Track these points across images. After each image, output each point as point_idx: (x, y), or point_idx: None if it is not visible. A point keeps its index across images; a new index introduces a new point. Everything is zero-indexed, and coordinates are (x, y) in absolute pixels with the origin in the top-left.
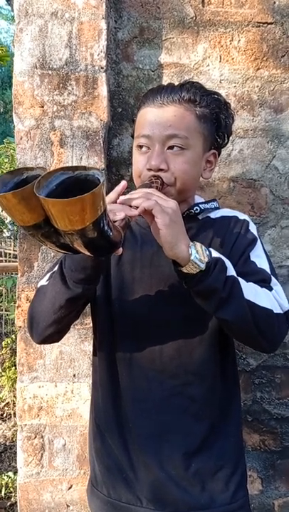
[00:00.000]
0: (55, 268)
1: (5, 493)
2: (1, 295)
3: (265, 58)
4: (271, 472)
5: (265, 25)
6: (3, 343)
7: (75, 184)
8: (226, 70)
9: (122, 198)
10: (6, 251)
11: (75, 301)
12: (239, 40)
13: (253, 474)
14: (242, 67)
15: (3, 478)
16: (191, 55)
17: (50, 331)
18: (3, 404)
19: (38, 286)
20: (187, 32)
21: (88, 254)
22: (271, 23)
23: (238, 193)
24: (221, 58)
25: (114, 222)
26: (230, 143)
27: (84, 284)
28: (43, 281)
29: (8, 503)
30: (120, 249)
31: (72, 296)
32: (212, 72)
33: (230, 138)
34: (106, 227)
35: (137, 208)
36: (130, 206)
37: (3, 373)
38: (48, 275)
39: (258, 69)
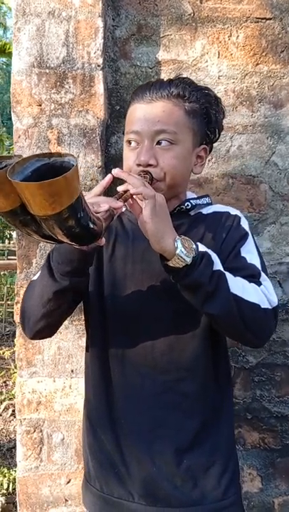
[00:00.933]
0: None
1: (13, 489)
2: (13, 292)
3: (264, 54)
4: (271, 470)
5: (264, 20)
6: (16, 340)
7: (50, 171)
8: (225, 65)
9: (119, 187)
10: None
11: (62, 293)
12: (238, 36)
13: (253, 472)
14: (241, 62)
15: (11, 474)
16: (189, 52)
17: (41, 326)
18: (14, 400)
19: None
20: (185, 28)
21: (68, 242)
22: (270, 19)
23: (237, 189)
24: (219, 54)
25: (98, 213)
26: (228, 139)
27: (71, 276)
28: (35, 277)
29: (17, 499)
30: (103, 240)
31: (60, 289)
32: (210, 68)
33: (229, 134)
34: (82, 214)
35: (124, 201)
36: (117, 199)
37: (16, 370)
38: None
39: (257, 64)
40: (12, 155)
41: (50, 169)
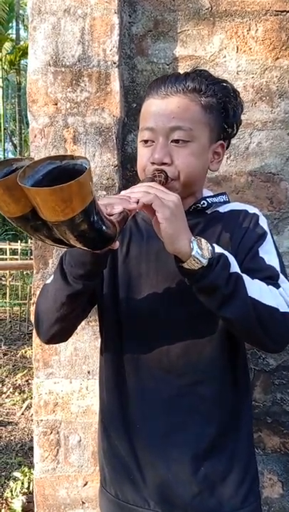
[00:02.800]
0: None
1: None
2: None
3: (284, 47)
4: None
5: (284, 13)
6: (32, 341)
7: (62, 174)
8: (243, 60)
9: (122, 192)
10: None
11: (76, 297)
12: (257, 30)
13: (273, 478)
14: (260, 57)
15: (32, 473)
16: (207, 47)
17: (55, 330)
18: None
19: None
20: (203, 23)
21: (81, 247)
22: None
23: (257, 187)
24: (237, 49)
25: (112, 215)
26: (248, 136)
27: (84, 279)
28: (48, 281)
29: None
30: (117, 244)
31: (73, 293)
32: (229, 63)
33: (248, 130)
34: (96, 218)
35: (137, 202)
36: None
37: None
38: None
39: (277, 58)
40: (23, 157)
41: (63, 172)
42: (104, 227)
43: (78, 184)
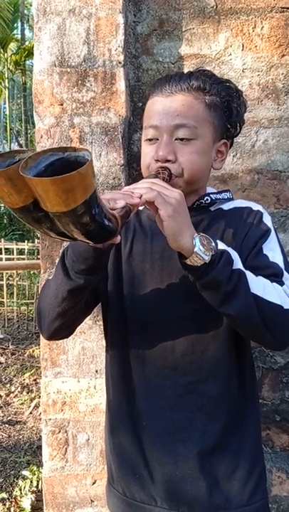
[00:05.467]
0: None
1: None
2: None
3: None
4: None
5: None
6: (40, 340)
7: (64, 166)
8: (249, 58)
9: (125, 188)
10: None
11: (77, 292)
12: (262, 27)
13: (282, 476)
14: (266, 54)
15: (41, 472)
16: (213, 45)
17: (56, 325)
18: None
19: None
20: (208, 21)
21: (83, 240)
22: None
23: (263, 185)
24: (243, 47)
25: (114, 210)
26: (254, 133)
27: (86, 274)
28: (50, 276)
29: (43, 498)
30: (118, 238)
31: (74, 287)
32: (234, 61)
33: (254, 128)
34: (97, 210)
35: (140, 197)
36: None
37: None
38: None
39: (283, 56)
40: (26, 149)
41: (65, 164)
42: (106, 220)
43: (80, 175)
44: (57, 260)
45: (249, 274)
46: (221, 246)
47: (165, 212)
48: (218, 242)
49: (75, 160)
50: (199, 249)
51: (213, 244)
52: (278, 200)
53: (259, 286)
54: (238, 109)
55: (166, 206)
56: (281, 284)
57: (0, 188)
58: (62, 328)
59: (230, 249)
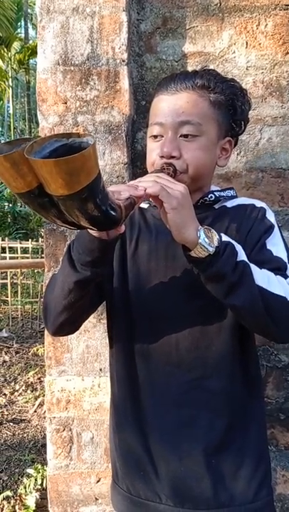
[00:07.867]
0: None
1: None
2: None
3: None
4: None
5: None
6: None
7: (69, 152)
8: (253, 56)
9: (130, 182)
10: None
11: (83, 284)
12: (266, 25)
13: (287, 474)
14: (270, 52)
15: (45, 470)
16: (216, 43)
17: (62, 319)
18: None
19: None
20: (211, 19)
21: (88, 226)
22: None
23: (267, 183)
24: (247, 44)
25: (119, 200)
26: (258, 131)
27: (91, 266)
28: (56, 272)
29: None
30: (122, 228)
31: (81, 279)
32: (238, 59)
33: (258, 126)
34: (101, 196)
35: (145, 190)
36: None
37: None
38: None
39: (287, 53)
40: (31, 137)
41: (69, 150)
42: (110, 208)
43: (83, 157)
44: (61, 259)
45: (253, 267)
46: (225, 238)
47: (169, 205)
48: (222, 234)
49: (79, 146)
50: (204, 240)
51: (217, 236)
52: (282, 198)
53: (263, 278)
54: (242, 107)
55: (171, 199)
56: (285, 277)
57: (6, 171)
58: (68, 323)
59: (234, 242)
